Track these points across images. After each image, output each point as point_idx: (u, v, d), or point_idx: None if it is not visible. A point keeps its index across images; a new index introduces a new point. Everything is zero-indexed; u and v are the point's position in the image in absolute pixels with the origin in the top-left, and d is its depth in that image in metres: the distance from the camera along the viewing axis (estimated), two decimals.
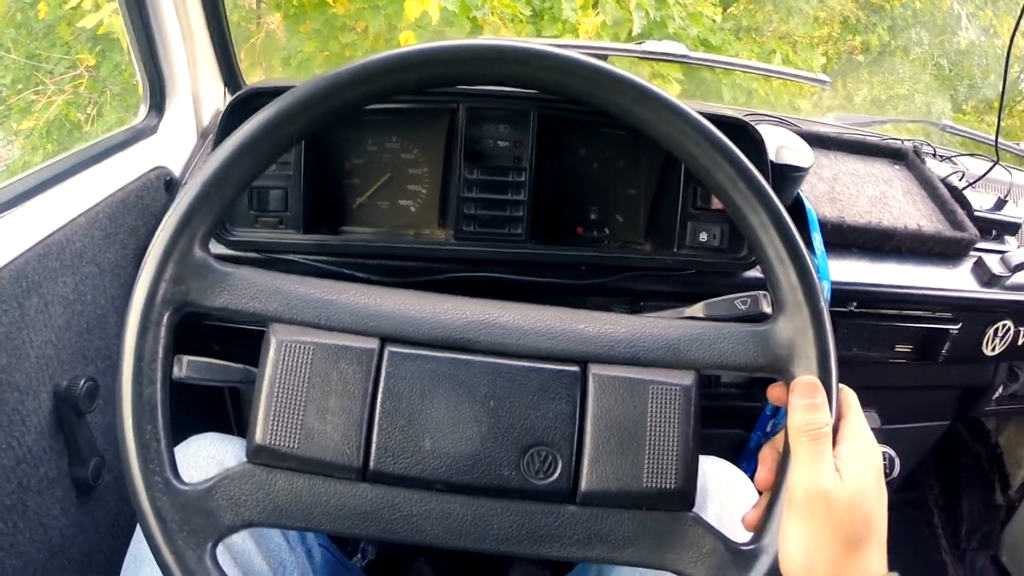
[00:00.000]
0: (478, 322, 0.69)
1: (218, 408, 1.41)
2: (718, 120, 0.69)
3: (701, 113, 0.69)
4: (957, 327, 1.29)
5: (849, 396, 0.68)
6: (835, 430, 0.66)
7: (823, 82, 1.60)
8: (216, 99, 1.40)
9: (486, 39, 0.72)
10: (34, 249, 0.92)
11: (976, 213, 1.39)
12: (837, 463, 0.63)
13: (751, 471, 1.11)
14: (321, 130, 0.77)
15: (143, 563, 0.82)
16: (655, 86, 0.69)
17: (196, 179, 0.66)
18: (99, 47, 3.29)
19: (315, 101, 0.66)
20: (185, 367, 0.70)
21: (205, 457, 0.89)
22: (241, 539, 0.84)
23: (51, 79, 3.27)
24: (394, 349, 0.67)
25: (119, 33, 2.78)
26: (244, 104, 1.00)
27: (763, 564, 0.65)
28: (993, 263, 1.31)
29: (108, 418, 1.08)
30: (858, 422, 0.66)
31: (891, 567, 0.61)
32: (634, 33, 3.75)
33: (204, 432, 0.94)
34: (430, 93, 1.02)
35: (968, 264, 1.34)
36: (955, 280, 1.30)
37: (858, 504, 0.62)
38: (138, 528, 0.87)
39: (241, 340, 1.07)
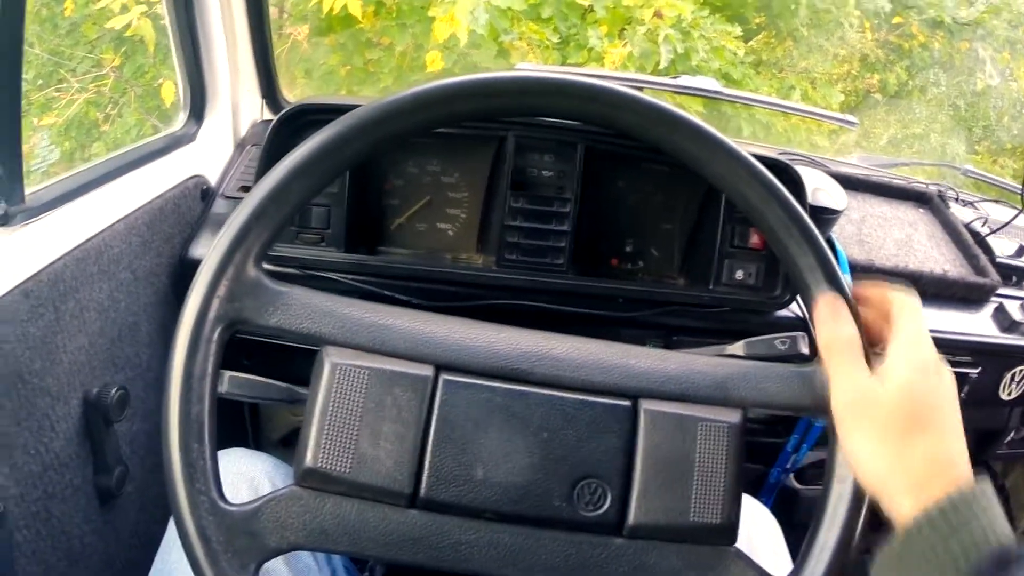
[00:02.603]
0: (533, 353, 0.69)
1: (236, 419, 1.41)
2: (760, 161, 0.70)
3: None
4: (976, 371, 1.29)
5: (905, 305, 0.66)
6: (884, 340, 0.65)
7: (852, 123, 1.61)
8: (253, 110, 1.40)
9: (547, 72, 0.72)
10: (73, 253, 0.92)
11: (998, 259, 1.40)
12: (883, 370, 0.63)
13: (770, 506, 1.11)
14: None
15: None
16: (710, 126, 0.69)
17: (253, 195, 0.66)
18: (124, 48, 3.31)
19: (378, 124, 0.66)
20: (227, 383, 0.69)
21: (234, 473, 0.89)
22: (272, 559, 0.84)
23: (74, 77, 3.28)
24: (449, 377, 0.67)
25: (146, 35, 2.79)
26: (291, 121, 1.00)
27: None
28: (1013, 309, 1.32)
29: (134, 427, 1.07)
30: (907, 327, 0.65)
31: None
32: (661, 66, 3.76)
33: (219, 443, 0.94)
34: (483, 120, 1.03)
35: (989, 309, 1.35)
36: (976, 325, 1.31)
37: (904, 400, 0.61)
38: (164, 541, 0.87)
39: (271, 354, 1.06)
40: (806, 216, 0.69)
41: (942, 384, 0.63)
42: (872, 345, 0.67)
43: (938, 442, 0.60)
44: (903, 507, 0.58)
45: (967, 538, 0.55)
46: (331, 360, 0.66)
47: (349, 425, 0.65)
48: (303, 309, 0.67)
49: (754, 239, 1.07)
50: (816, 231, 0.69)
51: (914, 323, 0.65)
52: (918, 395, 0.61)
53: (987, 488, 0.58)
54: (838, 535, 0.66)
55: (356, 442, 0.65)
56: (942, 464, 0.59)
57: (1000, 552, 0.54)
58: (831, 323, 0.66)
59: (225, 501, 0.63)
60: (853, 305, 0.68)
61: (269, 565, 0.82)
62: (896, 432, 0.61)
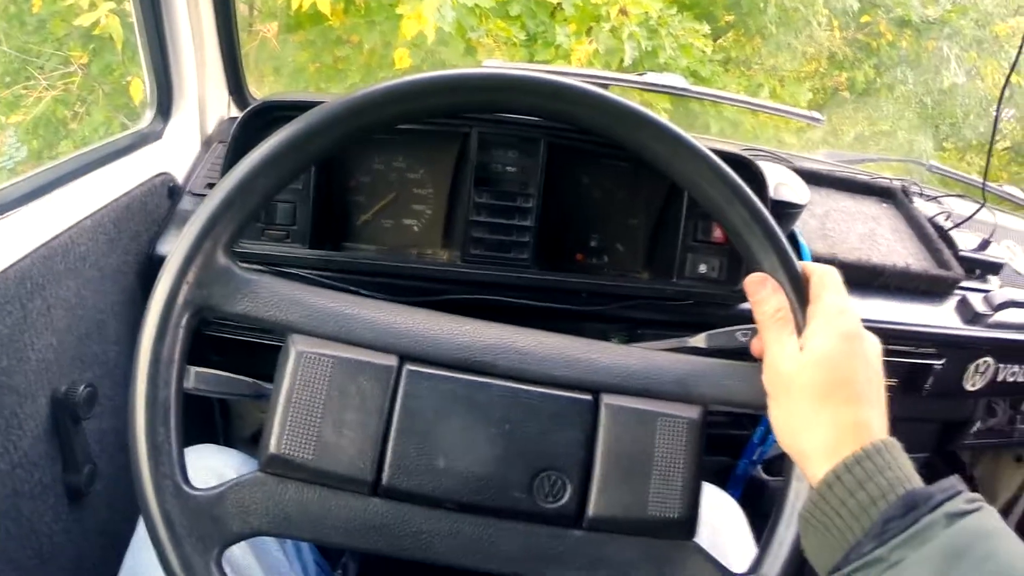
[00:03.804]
0: (496, 346, 0.69)
1: (206, 417, 1.40)
2: (723, 157, 0.71)
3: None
4: (940, 362, 1.32)
5: (824, 277, 0.69)
6: (807, 315, 0.68)
7: (817, 120, 1.63)
8: (220, 107, 1.40)
9: (516, 69, 0.73)
10: (39, 251, 0.91)
11: (961, 253, 1.42)
12: (802, 341, 0.66)
13: (738, 497, 1.12)
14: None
15: (140, 574, 0.81)
16: (674, 124, 0.70)
17: (222, 185, 0.66)
18: (92, 46, 3.28)
19: (347, 118, 0.67)
20: (193, 378, 0.69)
21: (203, 468, 0.89)
22: (241, 552, 0.84)
23: (42, 75, 3.25)
24: (413, 368, 0.68)
25: (114, 33, 2.77)
26: (257, 117, 1.00)
27: None
28: (976, 301, 1.34)
29: (103, 424, 1.07)
30: (828, 299, 0.67)
31: None
32: (626, 63, 3.79)
33: (190, 440, 0.94)
34: (448, 116, 1.03)
35: (952, 302, 1.37)
36: (940, 317, 1.33)
37: (821, 369, 0.63)
38: (135, 538, 0.87)
39: (239, 351, 1.06)
40: (768, 215, 0.70)
41: (861, 352, 0.65)
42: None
43: (854, 408, 0.63)
44: (818, 470, 0.61)
45: (874, 489, 0.57)
46: (297, 348, 0.67)
47: (313, 412, 0.66)
48: (271, 297, 0.68)
49: (717, 233, 1.09)
50: (778, 229, 0.70)
51: (833, 294, 0.67)
52: (835, 363, 0.64)
53: (895, 443, 0.60)
54: (796, 531, 0.67)
55: (319, 430, 0.65)
56: (856, 428, 0.62)
57: (907, 496, 0.56)
58: (764, 300, 0.69)
59: (190, 486, 0.64)
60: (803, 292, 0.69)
61: (238, 559, 0.83)
62: (812, 400, 0.63)
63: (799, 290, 0.69)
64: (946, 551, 0.52)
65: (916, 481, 0.58)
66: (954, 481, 0.57)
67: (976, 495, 0.57)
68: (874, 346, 0.67)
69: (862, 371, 0.64)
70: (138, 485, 0.62)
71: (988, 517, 0.55)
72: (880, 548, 0.55)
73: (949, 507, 0.55)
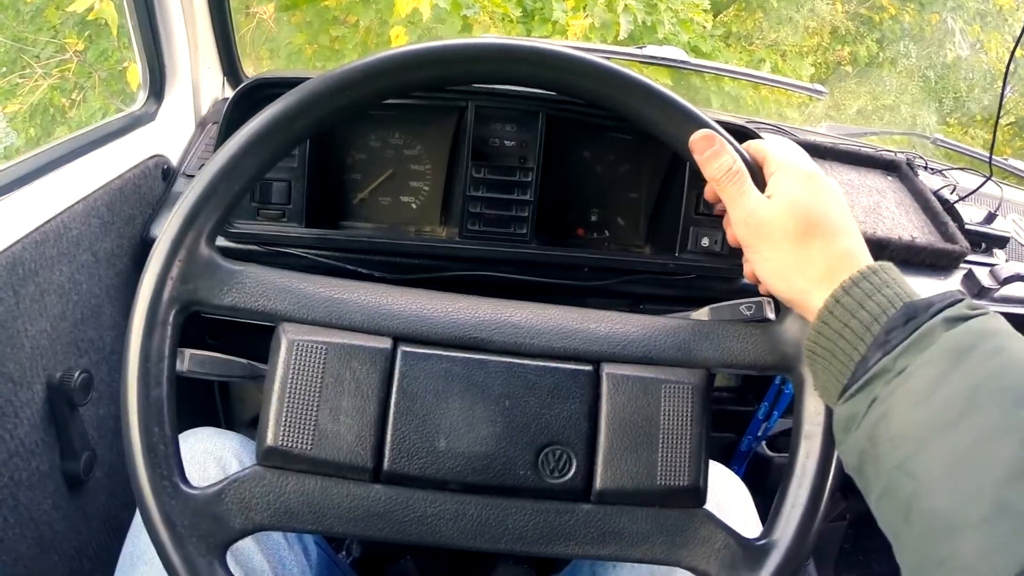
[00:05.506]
0: (492, 321, 0.68)
1: (206, 400, 1.40)
2: (726, 127, 0.70)
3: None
4: None
5: (774, 139, 0.72)
6: (763, 176, 0.69)
7: (820, 92, 1.61)
8: (215, 88, 1.38)
9: (502, 39, 0.71)
10: (31, 235, 0.90)
11: (967, 226, 1.40)
12: (768, 191, 0.67)
13: (742, 474, 1.11)
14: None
15: (140, 561, 0.80)
16: (674, 94, 0.69)
17: (203, 174, 0.65)
18: (87, 32, 3.26)
19: (330, 95, 0.65)
20: (188, 361, 0.68)
21: (202, 452, 0.88)
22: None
23: (38, 63, 3.23)
24: (407, 349, 0.66)
25: (108, 19, 2.75)
26: (249, 95, 0.98)
27: (774, 559, 0.66)
28: (983, 275, 1.32)
29: (100, 411, 1.06)
30: (782, 152, 0.69)
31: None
32: (621, 37, 3.75)
33: (190, 424, 0.93)
34: (439, 90, 1.01)
35: (958, 276, 1.35)
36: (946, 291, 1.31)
37: (794, 210, 0.65)
38: (133, 525, 0.86)
39: (234, 333, 1.05)
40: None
41: (827, 190, 0.67)
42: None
43: (835, 241, 0.64)
44: (816, 300, 0.63)
45: (874, 306, 0.59)
46: (288, 336, 0.65)
47: (308, 401, 0.64)
48: (258, 287, 0.66)
49: (720, 206, 1.07)
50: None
51: (788, 149, 0.69)
52: (806, 203, 0.65)
53: (890, 264, 0.62)
54: (808, 493, 0.66)
55: (316, 418, 0.64)
56: (843, 258, 0.63)
57: (907, 307, 0.57)
58: (713, 157, 0.68)
59: (188, 484, 0.62)
60: (731, 140, 0.69)
61: (238, 545, 0.82)
62: (793, 240, 0.64)
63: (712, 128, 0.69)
64: (949, 351, 0.53)
65: (915, 295, 0.59)
66: (955, 292, 0.58)
67: (981, 303, 0.58)
68: (836, 185, 0.68)
69: (835, 205, 0.66)
70: (136, 487, 0.61)
71: (993, 320, 0.55)
72: (885, 358, 0.56)
73: (950, 312, 0.55)
